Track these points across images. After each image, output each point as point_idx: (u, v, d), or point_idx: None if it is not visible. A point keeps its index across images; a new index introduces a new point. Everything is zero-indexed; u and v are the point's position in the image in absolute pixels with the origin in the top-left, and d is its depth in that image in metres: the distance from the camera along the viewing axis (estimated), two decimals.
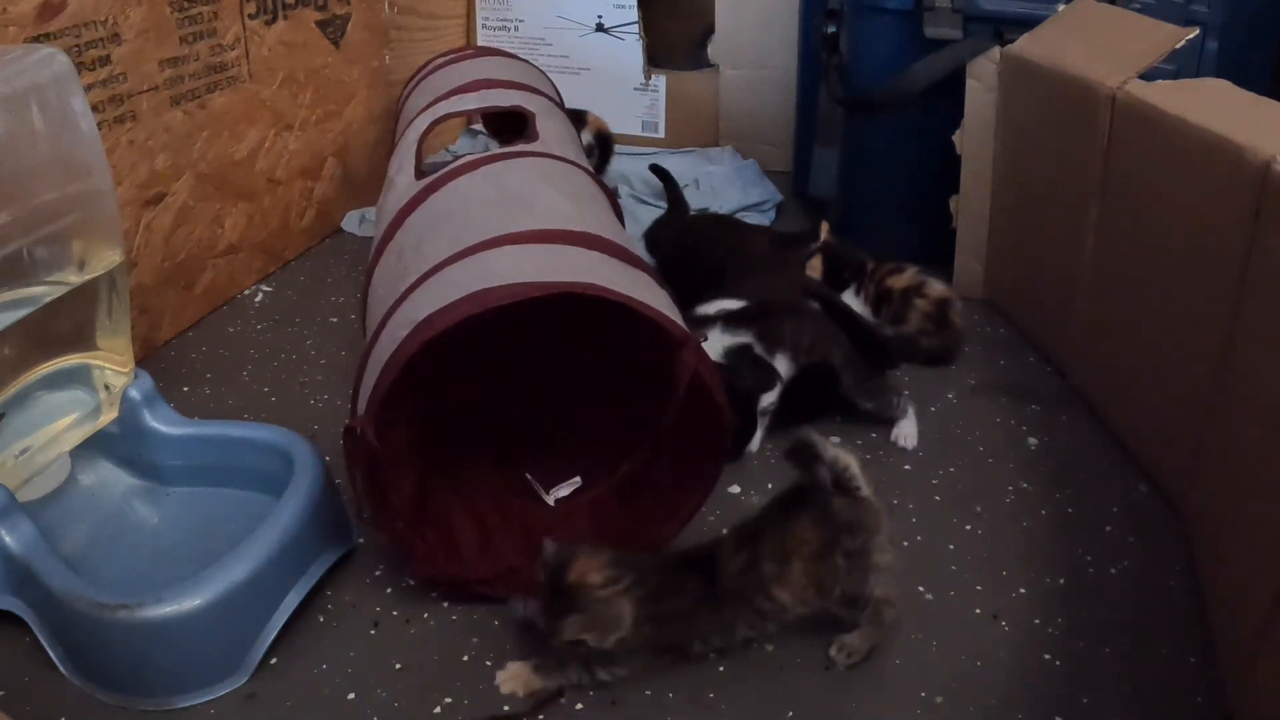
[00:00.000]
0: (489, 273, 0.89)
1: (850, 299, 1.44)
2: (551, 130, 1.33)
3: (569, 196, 1.11)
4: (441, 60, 1.76)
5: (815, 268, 1.44)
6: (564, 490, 1.11)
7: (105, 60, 1.24)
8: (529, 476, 1.11)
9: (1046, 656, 0.93)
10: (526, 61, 1.82)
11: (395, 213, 1.14)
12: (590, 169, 1.30)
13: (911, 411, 1.26)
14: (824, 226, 1.51)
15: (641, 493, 1.04)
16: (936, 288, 1.41)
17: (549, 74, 1.85)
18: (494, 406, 1.15)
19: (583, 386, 1.13)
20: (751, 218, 1.84)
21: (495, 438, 1.14)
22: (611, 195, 1.31)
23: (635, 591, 0.84)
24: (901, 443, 1.23)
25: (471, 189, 1.11)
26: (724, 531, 0.94)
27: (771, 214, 1.90)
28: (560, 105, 1.67)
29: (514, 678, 0.89)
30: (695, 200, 1.87)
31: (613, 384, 1.10)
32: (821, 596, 0.90)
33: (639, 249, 1.68)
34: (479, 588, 0.98)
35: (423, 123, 1.32)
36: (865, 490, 0.90)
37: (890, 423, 1.25)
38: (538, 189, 1.11)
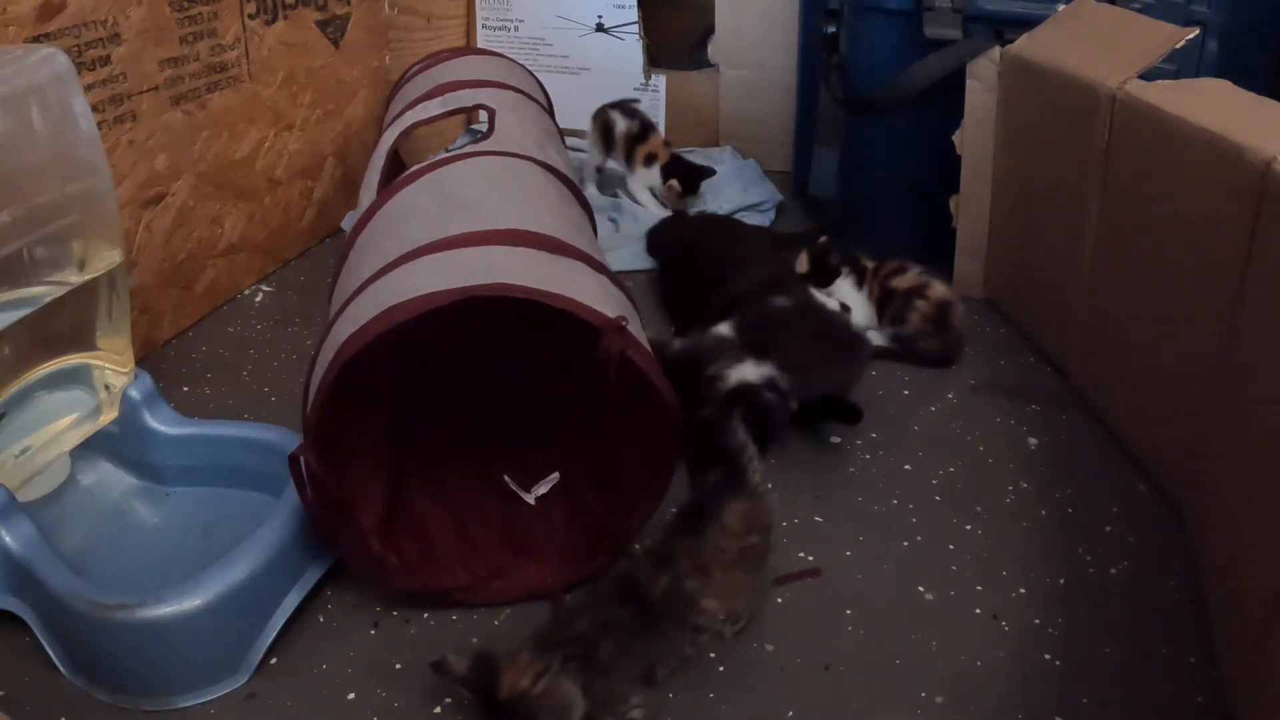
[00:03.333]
0: (402, 288, 0.89)
1: (852, 294, 1.44)
2: (513, 125, 1.33)
3: (505, 194, 1.11)
4: (419, 66, 1.75)
5: (803, 263, 1.44)
6: (543, 488, 1.10)
7: (105, 60, 1.24)
8: (507, 478, 1.11)
9: (1046, 656, 0.93)
10: (502, 56, 1.81)
11: (351, 231, 1.14)
12: (550, 161, 1.28)
13: None
14: (824, 240, 1.51)
15: (614, 485, 1.04)
16: (938, 289, 1.41)
17: (549, 74, 1.85)
18: (470, 408, 1.15)
19: (553, 382, 1.13)
20: (751, 218, 1.84)
21: (472, 439, 1.14)
22: (571, 184, 1.29)
23: (569, 664, 0.82)
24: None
25: (412, 199, 1.11)
26: (636, 551, 0.94)
27: (771, 214, 1.90)
28: (533, 96, 1.64)
29: None
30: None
31: (580, 378, 1.09)
32: (747, 600, 0.92)
33: (634, 252, 1.69)
34: (456, 595, 0.98)
35: (389, 137, 1.33)
36: (763, 486, 0.93)
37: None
38: (475, 191, 1.10)
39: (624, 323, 0.89)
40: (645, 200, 1.87)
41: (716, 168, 1.99)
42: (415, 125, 1.36)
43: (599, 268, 1.03)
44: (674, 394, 0.93)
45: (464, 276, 0.89)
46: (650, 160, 1.84)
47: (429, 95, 1.42)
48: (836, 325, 1.30)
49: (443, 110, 1.39)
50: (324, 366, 0.88)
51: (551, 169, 1.25)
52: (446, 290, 0.86)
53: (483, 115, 1.42)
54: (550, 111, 1.69)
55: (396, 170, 1.31)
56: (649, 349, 0.95)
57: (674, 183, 1.81)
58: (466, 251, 0.95)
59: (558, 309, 0.88)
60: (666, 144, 1.88)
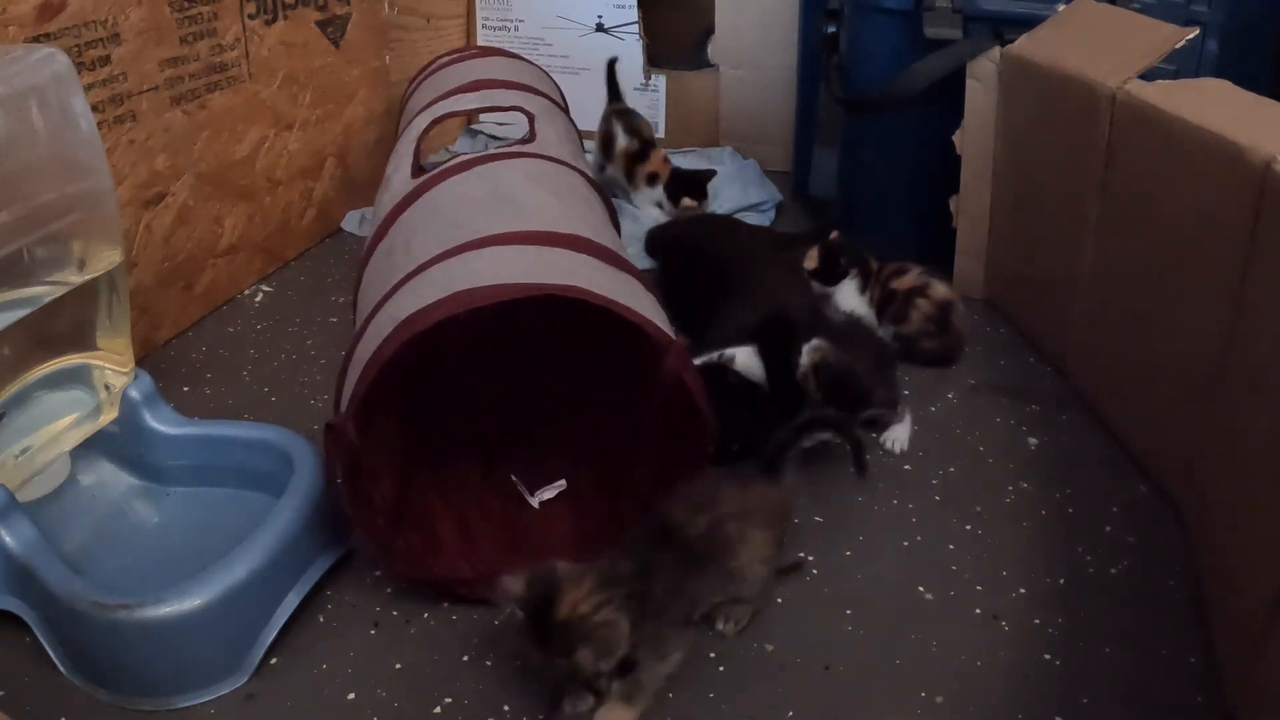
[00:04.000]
0: (472, 273, 0.89)
1: (854, 297, 1.44)
2: (550, 132, 1.34)
3: (559, 198, 1.11)
4: (446, 59, 1.76)
5: (812, 259, 1.44)
6: (549, 493, 1.11)
7: (105, 60, 1.24)
8: (514, 478, 1.11)
9: (1046, 656, 0.93)
10: (529, 62, 1.82)
11: (389, 211, 1.14)
12: (586, 171, 1.29)
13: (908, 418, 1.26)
14: (834, 235, 1.51)
15: (624, 494, 1.04)
16: (939, 290, 1.41)
17: (549, 74, 1.85)
18: (480, 406, 1.15)
19: (569, 386, 1.13)
20: (751, 218, 1.84)
21: (481, 438, 1.14)
22: (607, 197, 1.31)
23: (630, 602, 0.83)
24: (895, 447, 1.23)
25: (463, 188, 1.11)
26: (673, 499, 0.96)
27: (771, 214, 1.90)
28: (561, 107, 1.67)
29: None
30: None
31: (598, 384, 1.10)
32: (766, 569, 0.95)
33: (635, 252, 1.69)
34: (459, 589, 0.98)
35: (422, 121, 1.32)
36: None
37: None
38: (528, 190, 1.11)
39: (687, 342, 0.91)
40: (652, 214, 1.85)
41: (716, 168, 2.00)
42: (450, 115, 1.36)
43: (647, 284, 1.04)
44: (714, 417, 0.94)
45: (535, 273, 0.89)
46: (654, 179, 1.83)
47: (465, 89, 1.42)
48: (876, 335, 1.32)
49: (480, 105, 1.39)
50: (379, 338, 0.87)
51: (589, 179, 1.27)
52: (526, 284, 0.86)
53: (485, 118, 1.42)
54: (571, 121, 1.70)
55: None
56: (698, 370, 0.96)
57: (688, 202, 1.79)
58: (530, 249, 0.95)
59: (614, 318, 0.88)
60: (665, 159, 1.85)
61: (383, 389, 0.88)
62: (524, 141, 1.27)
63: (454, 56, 1.76)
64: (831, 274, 1.43)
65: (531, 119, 1.32)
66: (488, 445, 1.13)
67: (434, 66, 1.75)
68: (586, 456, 1.10)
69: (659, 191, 1.82)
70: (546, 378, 1.14)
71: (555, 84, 1.79)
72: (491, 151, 1.21)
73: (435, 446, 1.10)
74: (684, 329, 1.47)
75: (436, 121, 1.31)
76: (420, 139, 1.26)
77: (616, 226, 1.32)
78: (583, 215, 1.10)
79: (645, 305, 0.95)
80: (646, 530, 0.90)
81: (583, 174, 1.26)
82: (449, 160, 1.19)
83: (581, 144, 1.62)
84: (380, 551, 0.97)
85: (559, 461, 1.12)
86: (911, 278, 1.42)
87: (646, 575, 0.85)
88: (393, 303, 0.93)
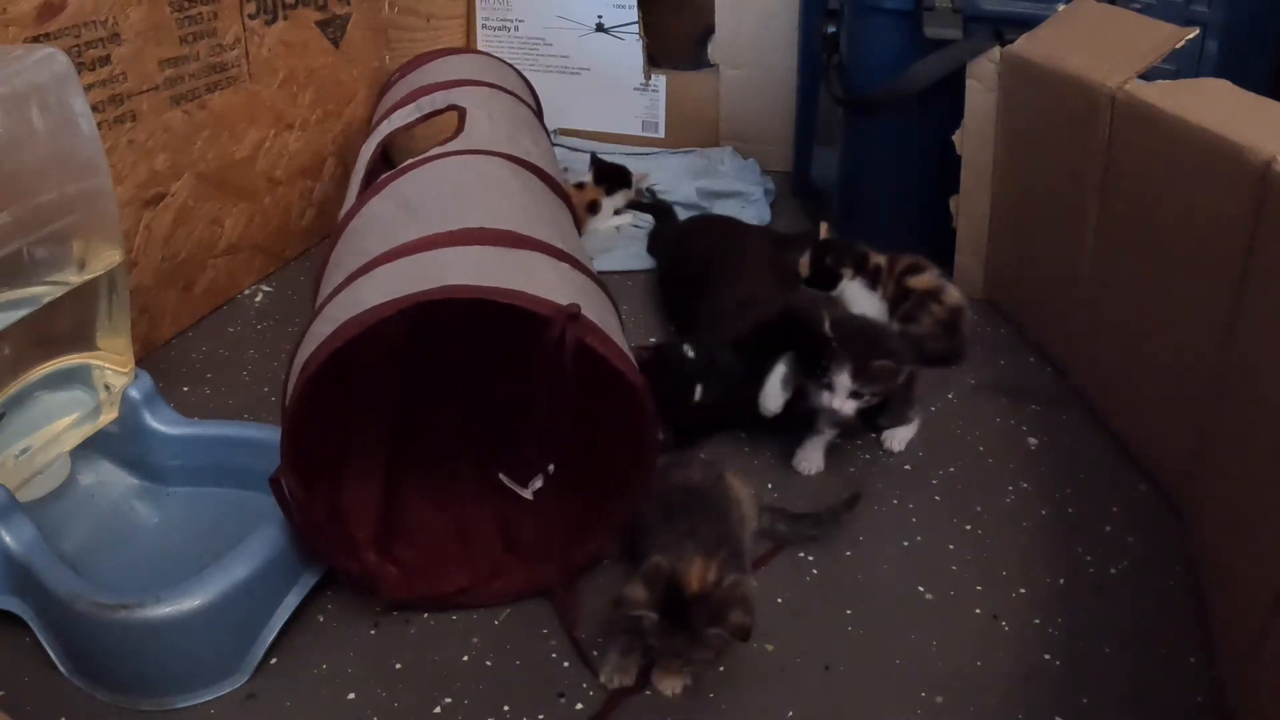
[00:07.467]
0: (354, 302, 0.90)
1: (862, 293, 1.43)
2: (483, 120, 1.33)
3: (465, 194, 1.11)
4: (398, 74, 1.76)
5: (804, 266, 1.43)
6: (538, 482, 1.10)
7: (105, 60, 1.24)
8: (502, 476, 1.11)
9: (1046, 656, 0.93)
10: (479, 52, 1.81)
11: (324, 250, 1.15)
12: (521, 153, 1.27)
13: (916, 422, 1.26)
14: (824, 226, 1.51)
15: (601, 473, 1.03)
16: (952, 295, 1.40)
17: (549, 74, 1.84)
18: (458, 409, 1.15)
19: (535, 376, 1.12)
20: (749, 215, 1.84)
21: (463, 441, 1.13)
22: (544, 173, 1.28)
23: (731, 562, 0.86)
24: (894, 446, 1.24)
25: (374, 212, 1.12)
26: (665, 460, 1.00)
27: (767, 211, 1.89)
28: (507, 88, 1.62)
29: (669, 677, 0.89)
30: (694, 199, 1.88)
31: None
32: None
33: (635, 251, 1.69)
34: (456, 599, 0.98)
35: (366, 150, 1.34)
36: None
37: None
38: (432, 196, 1.11)
39: (577, 309, 0.87)
40: (621, 221, 1.84)
41: (717, 167, 2.00)
42: (392, 134, 1.37)
43: (560, 255, 1.01)
44: (640, 376, 0.92)
45: (413, 283, 0.88)
46: (595, 206, 1.80)
47: (404, 101, 1.42)
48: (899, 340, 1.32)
49: (418, 115, 1.39)
50: (291, 388, 0.89)
51: (521, 161, 1.24)
52: (392, 300, 0.86)
53: None
54: (530, 102, 1.68)
55: None
56: (610, 334, 0.93)
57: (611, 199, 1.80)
58: (418, 257, 0.94)
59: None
60: (579, 185, 1.81)
61: (348, 414, 0.88)
62: (452, 138, 1.26)
63: (405, 69, 1.75)
64: (827, 278, 1.42)
65: (462, 114, 1.31)
66: (473, 447, 1.13)
67: (391, 80, 1.75)
68: (564, 443, 1.09)
69: (609, 206, 1.81)
70: (517, 372, 1.13)
71: (510, 68, 1.76)
72: (409, 161, 1.20)
73: (422, 455, 1.10)
74: (683, 327, 1.48)
75: (380, 144, 1.33)
76: (370, 166, 1.28)
77: (565, 197, 1.31)
78: (490, 204, 1.09)
79: (543, 280, 0.92)
80: (674, 496, 0.94)
81: (509, 157, 1.24)
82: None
83: (539, 123, 1.60)
84: (366, 583, 0.97)
85: (542, 452, 1.11)
86: (928, 278, 1.41)
87: (722, 535, 0.89)
88: (301, 348, 0.94)
